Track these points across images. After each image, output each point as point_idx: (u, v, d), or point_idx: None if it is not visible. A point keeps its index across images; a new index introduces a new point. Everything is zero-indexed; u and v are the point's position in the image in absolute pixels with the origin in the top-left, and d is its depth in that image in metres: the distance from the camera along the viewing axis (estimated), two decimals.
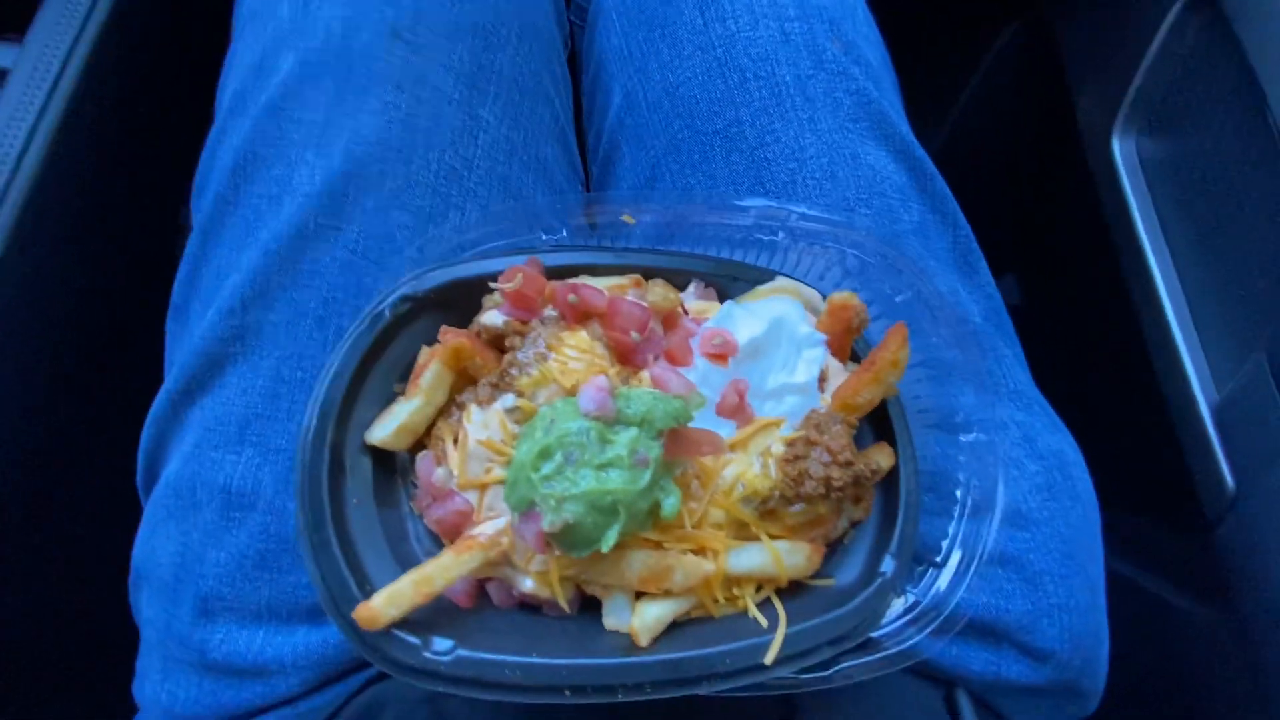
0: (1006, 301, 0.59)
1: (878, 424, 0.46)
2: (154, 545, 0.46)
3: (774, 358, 0.44)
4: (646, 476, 0.36)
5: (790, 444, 0.41)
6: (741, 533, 0.41)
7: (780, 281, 0.47)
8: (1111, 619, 0.50)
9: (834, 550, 0.43)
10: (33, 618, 0.61)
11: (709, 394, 0.42)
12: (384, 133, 0.48)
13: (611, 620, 0.39)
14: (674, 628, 0.39)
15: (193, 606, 0.44)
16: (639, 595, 0.40)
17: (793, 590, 0.41)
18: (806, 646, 0.38)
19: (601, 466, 0.36)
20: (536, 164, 0.56)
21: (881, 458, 0.42)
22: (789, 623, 0.39)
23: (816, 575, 0.42)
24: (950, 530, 0.40)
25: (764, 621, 0.39)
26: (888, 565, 0.41)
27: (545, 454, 0.36)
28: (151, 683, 0.46)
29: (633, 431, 0.37)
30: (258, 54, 0.50)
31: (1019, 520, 0.47)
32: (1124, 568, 0.76)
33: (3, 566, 0.59)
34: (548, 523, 0.35)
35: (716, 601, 0.40)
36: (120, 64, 0.67)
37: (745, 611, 0.40)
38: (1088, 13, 0.93)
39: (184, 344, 0.49)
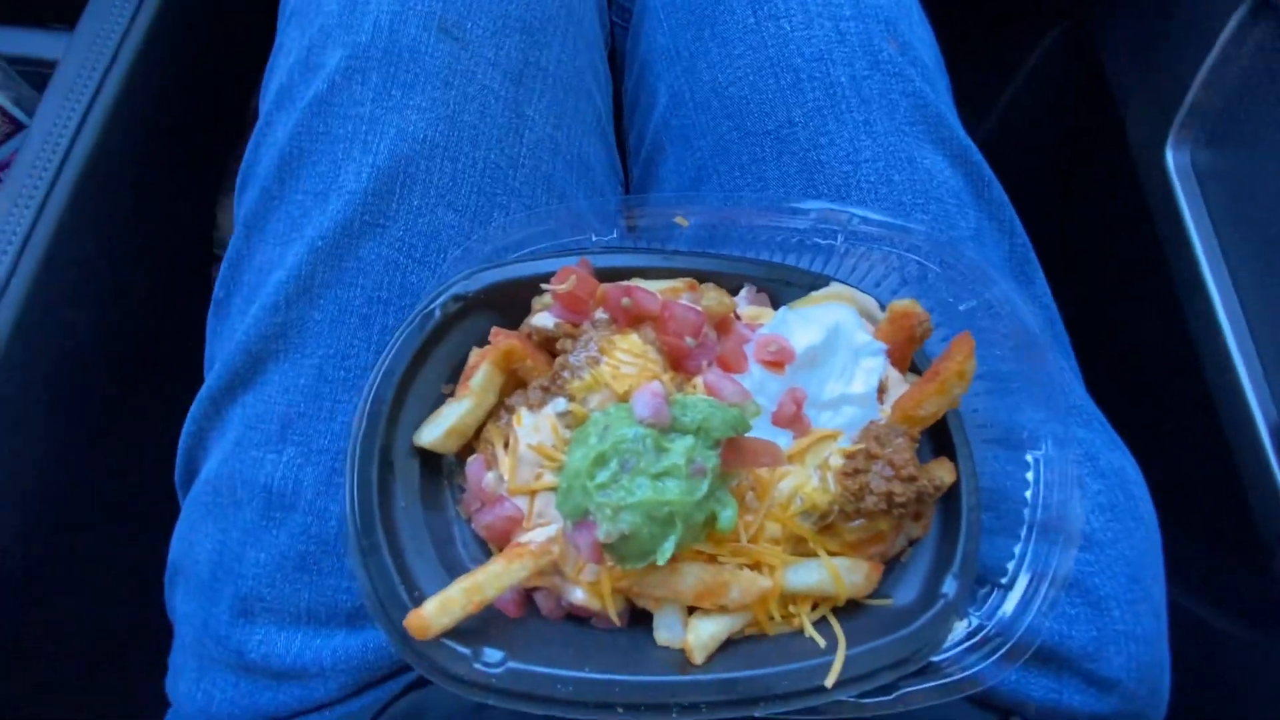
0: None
1: (935, 437, 0.44)
2: (192, 542, 0.46)
3: (831, 366, 0.43)
4: (704, 487, 0.35)
5: (850, 457, 0.40)
6: (798, 548, 0.39)
7: (835, 287, 0.46)
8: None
9: (891, 569, 0.41)
10: (70, 612, 0.61)
11: (764, 403, 0.41)
12: (430, 130, 0.47)
13: (664, 635, 0.38)
14: (727, 645, 0.38)
15: (231, 606, 0.43)
16: (690, 610, 0.39)
17: (849, 610, 0.39)
18: (866, 670, 0.37)
19: (658, 476, 0.35)
20: (579, 163, 0.55)
21: (943, 473, 0.41)
22: (848, 644, 0.37)
23: (874, 595, 0.40)
24: (1016, 551, 0.39)
25: (821, 641, 0.37)
26: (949, 586, 0.39)
27: (600, 461, 0.35)
28: (186, 680, 0.45)
29: (689, 440, 0.36)
30: (304, 48, 0.50)
31: (1083, 542, 0.46)
32: (1174, 592, 0.73)
33: (42, 561, 0.59)
34: (603, 533, 0.34)
35: (772, 619, 0.38)
36: (168, 55, 0.67)
37: (801, 630, 0.38)
38: (1135, 18, 0.91)
39: (226, 340, 0.48)
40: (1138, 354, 0.89)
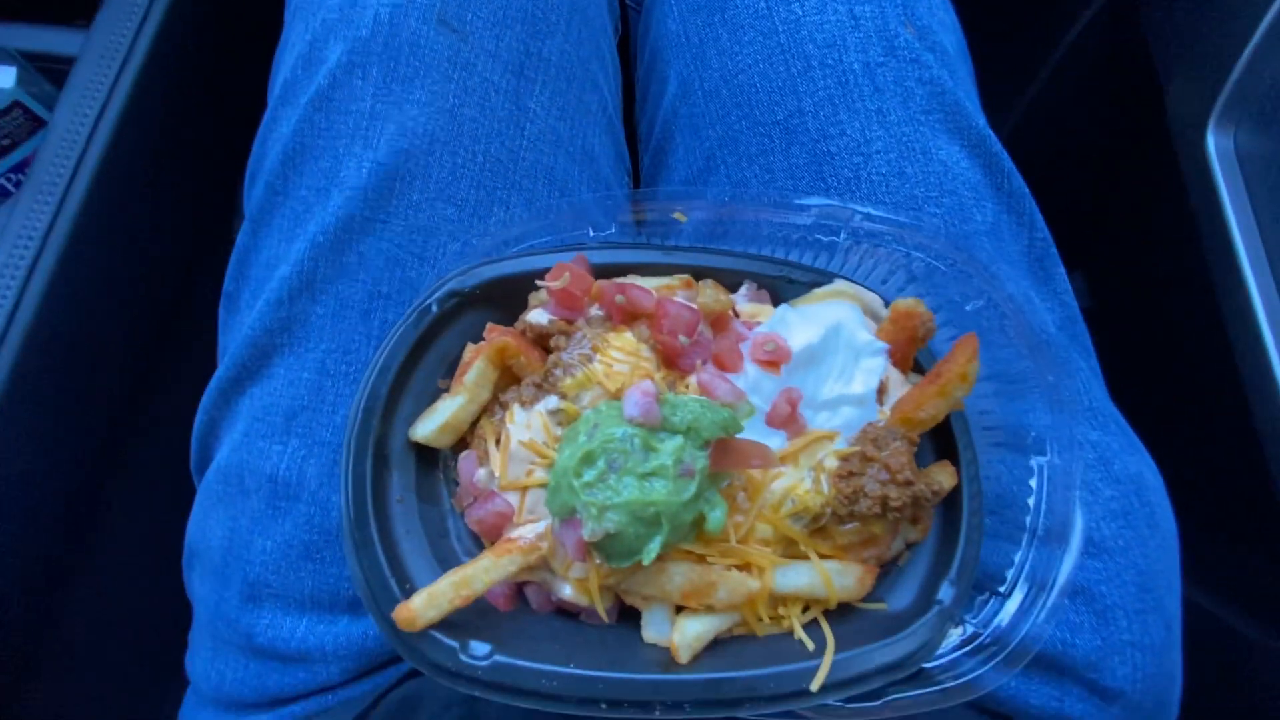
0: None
1: (938, 439, 0.43)
2: (206, 527, 0.47)
3: (830, 366, 0.42)
4: (691, 488, 0.35)
5: (845, 459, 0.39)
6: (789, 550, 0.39)
7: (839, 284, 0.44)
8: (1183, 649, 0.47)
9: (887, 572, 0.41)
10: (96, 591, 0.64)
11: (759, 403, 0.40)
12: (430, 124, 0.47)
13: (650, 633, 0.38)
14: (715, 644, 0.38)
15: (240, 591, 0.44)
16: (679, 609, 0.39)
17: (842, 613, 0.39)
18: (855, 674, 0.36)
19: (645, 475, 0.35)
20: (583, 155, 0.54)
21: (944, 477, 0.40)
22: (837, 648, 0.37)
23: (868, 599, 0.39)
24: (1016, 558, 0.38)
25: (810, 644, 0.37)
26: (945, 593, 0.39)
27: (588, 460, 0.35)
28: (202, 659, 0.47)
29: (678, 440, 0.36)
30: (306, 43, 0.50)
31: (1091, 549, 0.44)
32: (1196, 594, 0.71)
33: (68, 544, 0.62)
34: (588, 531, 0.34)
35: (761, 620, 0.38)
36: (181, 51, 0.68)
37: (790, 633, 0.38)
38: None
39: (234, 332, 0.49)
40: (1163, 345, 0.86)
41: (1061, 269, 0.54)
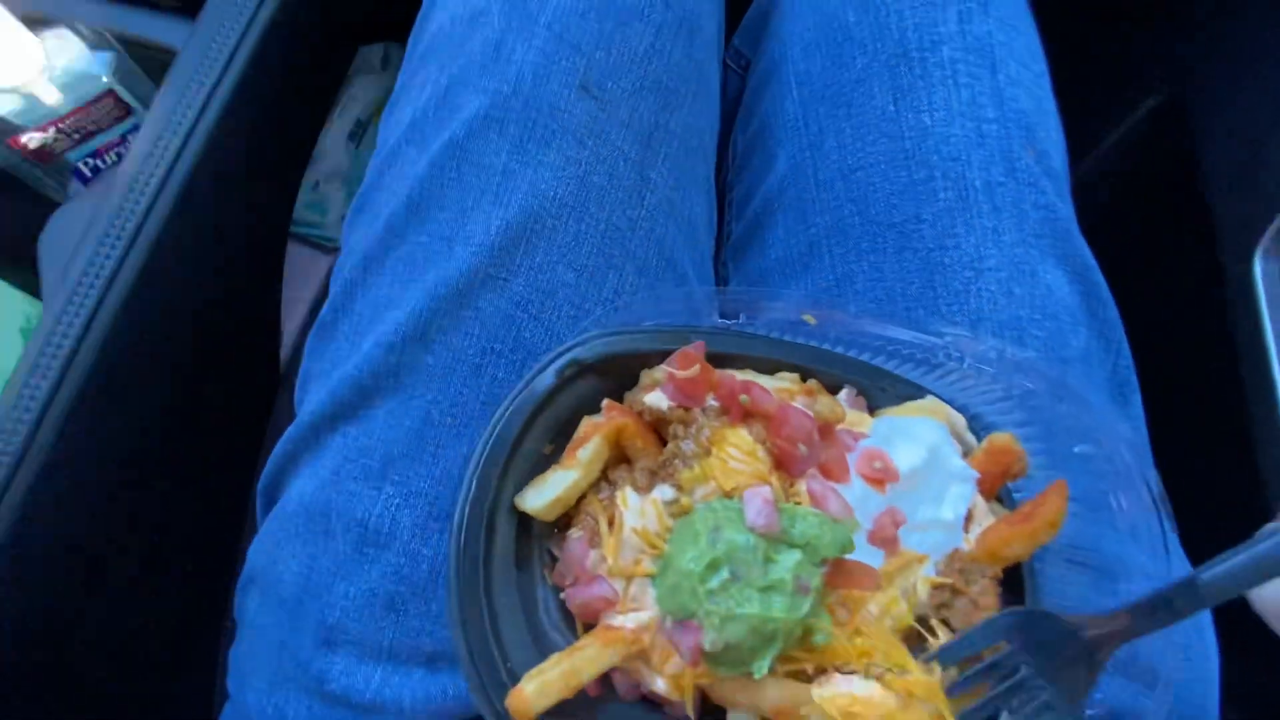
0: None
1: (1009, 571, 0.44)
2: (276, 558, 0.47)
3: (927, 488, 0.43)
4: (807, 605, 0.36)
5: (936, 588, 0.40)
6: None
7: (929, 401, 0.45)
8: None
9: None
10: (131, 599, 0.63)
11: (861, 519, 0.41)
12: (561, 189, 0.47)
13: None
14: None
15: (315, 634, 0.44)
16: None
17: None
18: None
19: (764, 589, 0.35)
20: (687, 223, 0.55)
21: None
22: None
23: None
24: (1099, 698, 0.39)
25: None
26: None
27: (714, 566, 0.35)
28: (256, 691, 0.47)
29: (796, 555, 0.36)
30: (442, 86, 0.50)
31: (1149, 678, 0.45)
32: None
33: (107, 549, 0.61)
34: (709, 641, 0.34)
35: None
36: (285, 55, 0.68)
37: None
38: (1238, 101, 0.86)
39: (329, 366, 0.49)
40: (1197, 470, 0.87)
41: (1138, 395, 0.55)
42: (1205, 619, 0.49)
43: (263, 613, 0.47)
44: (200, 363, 0.67)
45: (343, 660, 0.44)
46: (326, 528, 0.45)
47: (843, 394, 0.46)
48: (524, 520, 0.43)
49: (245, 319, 0.74)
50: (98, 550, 0.59)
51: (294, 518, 0.47)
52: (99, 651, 0.62)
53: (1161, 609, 0.30)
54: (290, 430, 0.49)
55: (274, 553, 0.47)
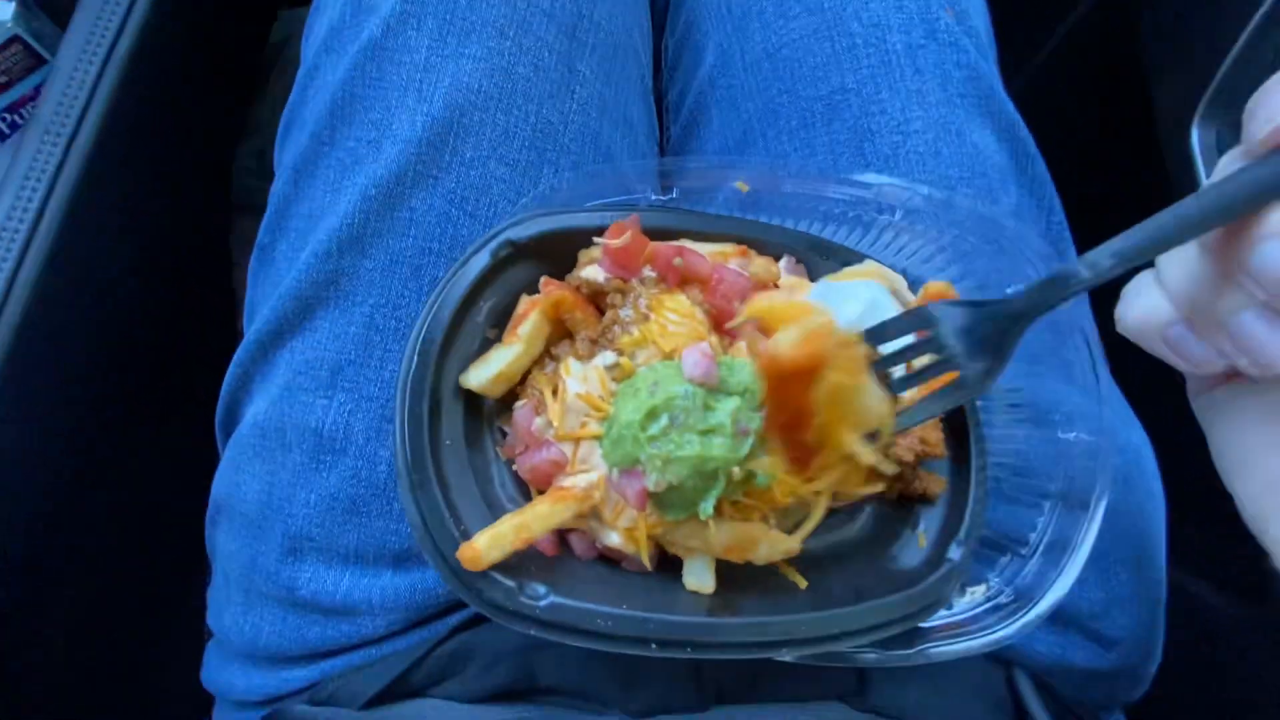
0: None
1: (952, 416, 0.45)
2: (238, 482, 0.47)
3: None
4: (747, 446, 0.37)
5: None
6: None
7: (869, 265, 0.46)
8: None
9: (899, 537, 0.43)
10: (113, 550, 0.64)
11: None
12: (485, 81, 0.47)
13: (692, 581, 0.40)
14: (758, 592, 0.40)
15: (280, 544, 0.45)
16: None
17: (865, 572, 0.42)
18: (879, 621, 0.39)
19: (705, 432, 0.36)
20: (624, 123, 0.55)
21: (931, 484, 0.43)
22: (860, 599, 0.39)
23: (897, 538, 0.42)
24: (1039, 522, 0.40)
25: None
26: (955, 552, 0.41)
27: (652, 415, 0.36)
28: (232, 615, 0.47)
29: (735, 401, 0.37)
30: None
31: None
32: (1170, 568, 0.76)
33: (80, 503, 0.61)
34: (652, 482, 0.36)
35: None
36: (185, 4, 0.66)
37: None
38: None
39: (272, 285, 0.49)
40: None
41: (1073, 251, 0.56)
42: (1146, 453, 0.51)
43: (230, 538, 0.48)
44: (146, 318, 0.66)
45: (310, 567, 0.45)
46: (282, 441, 0.46)
47: (782, 263, 0.47)
48: (474, 402, 0.43)
49: (190, 265, 0.73)
50: (59, 518, 0.59)
51: (250, 439, 0.47)
52: (73, 629, 0.62)
53: (1059, 283, 0.32)
54: (238, 353, 0.49)
55: (235, 478, 0.48)
